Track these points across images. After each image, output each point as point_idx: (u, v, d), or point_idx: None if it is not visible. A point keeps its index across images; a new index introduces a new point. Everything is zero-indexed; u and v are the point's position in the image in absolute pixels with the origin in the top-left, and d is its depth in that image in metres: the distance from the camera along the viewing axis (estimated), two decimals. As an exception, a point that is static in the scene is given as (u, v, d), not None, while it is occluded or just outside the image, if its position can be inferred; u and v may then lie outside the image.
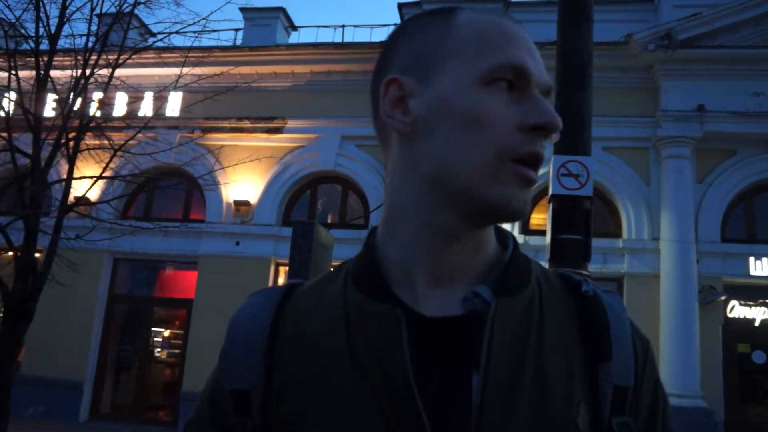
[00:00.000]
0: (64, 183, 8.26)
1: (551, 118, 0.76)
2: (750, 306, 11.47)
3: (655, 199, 11.69)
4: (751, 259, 11.38)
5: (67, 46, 8.85)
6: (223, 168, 12.44)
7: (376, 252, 0.85)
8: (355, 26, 16.70)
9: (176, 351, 13.39)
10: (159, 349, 13.77)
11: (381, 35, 13.62)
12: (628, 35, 11.70)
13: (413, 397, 0.73)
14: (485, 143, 0.76)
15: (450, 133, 0.77)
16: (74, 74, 8.29)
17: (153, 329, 13.74)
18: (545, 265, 4.81)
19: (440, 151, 0.78)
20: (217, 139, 13.22)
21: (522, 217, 0.79)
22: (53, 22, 8.36)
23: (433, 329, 0.78)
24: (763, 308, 11.44)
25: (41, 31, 8.25)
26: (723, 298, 11.32)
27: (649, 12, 12.92)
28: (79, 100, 8.35)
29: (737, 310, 11.47)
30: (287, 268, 9.69)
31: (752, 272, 11.35)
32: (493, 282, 0.81)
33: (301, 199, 13.59)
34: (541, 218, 11.80)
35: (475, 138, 0.76)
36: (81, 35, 8.85)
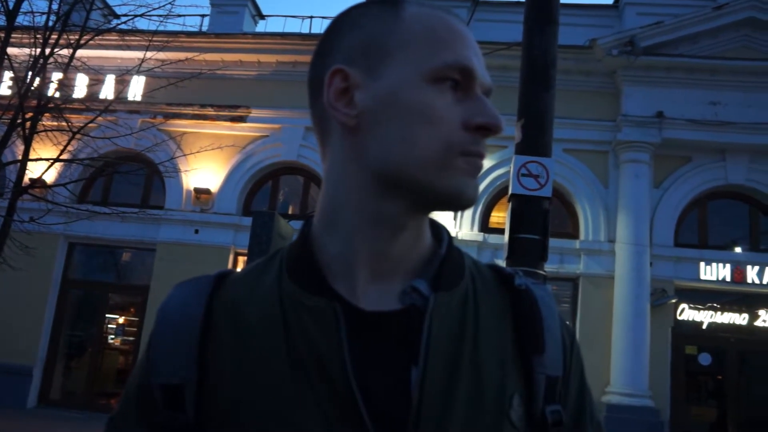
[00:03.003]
0: (19, 164, 8.08)
1: (495, 119, 0.78)
2: (699, 309, 11.78)
3: (613, 201, 11.89)
4: (702, 264, 11.67)
5: (26, 23, 8.64)
6: (184, 155, 12.28)
7: (313, 243, 0.84)
8: (323, 17, 16.55)
9: (131, 338, 13.20)
10: (113, 336, 13.55)
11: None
12: (593, 40, 11.88)
13: (352, 392, 0.73)
14: (432, 138, 0.76)
15: (397, 128, 0.77)
16: (33, 53, 8.11)
17: (108, 315, 13.50)
18: (503, 263, 4.88)
19: (387, 145, 0.77)
20: (179, 126, 13.05)
21: (473, 204, 0.80)
22: (12, -2, 8.15)
23: (372, 324, 0.77)
24: (711, 312, 11.76)
25: (-1, 7, 8.05)
26: (674, 300, 11.59)
27: (614, 18, 13.15)
28: (37, 80, 8.17)
29: (687, 312, 11.77)
30: (246, 257, 9.63)
31: (702, 276, 11.64)
32: (431, 276, 0.81)
33: (263, 189, 13.50)
34: (500, 217, 11.94)
35: (422, 133, 0.76)
36: (41, 13, 8.63)
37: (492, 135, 0.79)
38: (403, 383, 0.75)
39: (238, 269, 0.90)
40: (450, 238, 0.88)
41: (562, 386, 0.85)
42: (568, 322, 0.92)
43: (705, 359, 11.69)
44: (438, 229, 0.89)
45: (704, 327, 11.77)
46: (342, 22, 0.84)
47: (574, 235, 12.09)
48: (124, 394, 0.86)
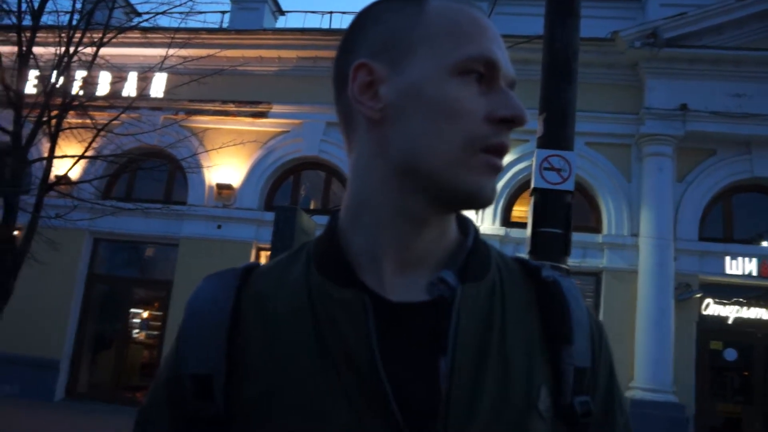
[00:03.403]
0: (45, 161, 8.19)
1: (519, 111, 0.78)
2: (724, 304, 11.64)
3: (636, 195, 11.79)
4: (727, 258, 11.53)
5: (50, 22, 8.75)
6: (206, 151, 12.36)
7: (339, 236, 0.84)
8: (343, 13, 16.60)
9: (155, 332, 13.36)
10: (137, 330, 13.72)
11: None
12: (615, 32, 11.76)
13: (381, 383, 0.73)
14: (455, 133, 0.77)
15: (421, 122, 0.78)
16: (58, 51, 8.20)
17: (132, 310, 13.67)
18: (526, 257, 4.86)
19: (411, 138, 0.78)
20: (201, 122, 13.15)
21: (489, 203, 0.80)
22: (37, -2, 8.24)
23: (400, 314, 0.78)
24: (737, 307, 11.61)
25: (24, 6, 8.15)
26: (698, 295, 11.48)
27: (636, 10, 13.01)
28: (62, 78, 8.26)
29: (712, 307, 11.63)
30: (269, 252, 9.68)
31: (728, 271, 11.51)
32: (458, 268, 0.82)
33: (285, 184, 13.56)
34: (522, 211, 11.89)
35: (445, 127, 0.77)
36: (65, 12, 8.72)
37: (516, 127, 0.79)
38: (432, 374, 0.75)
39: (267, 262, 0.91)
40: (476, 230, 0.89)
41: (590, 377, 0.85)
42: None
43: (730, 355, 11.56)
44: (464, 222, 0.90)
45: (730, 322, 11.63)
46: (365, 17, 0.85)
47: (597, 230, 12.01)
48: (153, 386, 0.87)
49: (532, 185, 5.08)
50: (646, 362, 10.80)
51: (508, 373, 0.78)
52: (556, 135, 5.08)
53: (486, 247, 0.88)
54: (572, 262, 5.37)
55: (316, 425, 0.74)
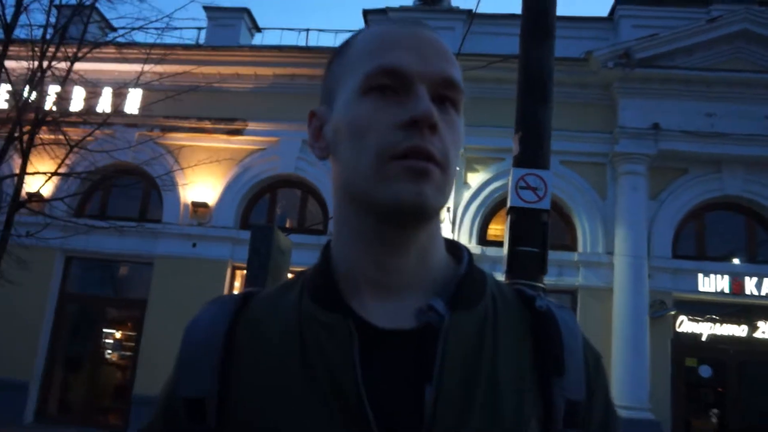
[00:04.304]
0: (16, 178, 8.07)
1: (421, 110, 0.76)
2: (698, 321, 11.75)
3: (611, 213, 11.91)
4: (700, 276, 11.66)
5: (23, 36, 8.66)
6: (181, 168, 12.29)
7: (331, 262, 0.86)
8: (320, 30, 16.58)
9: (128, 353, 13.12)
10: (110, 351, 13.48)
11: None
12: (588, 52, 11.93)
13: (363, 408, 0.73)
14: (368, 148, 0.78)
15: (344, 148, 0.81)
16: (31, 66, 8.11)
17: (105, 330, 13.44)
18: (502, 277, 4.86)
19: (343, 165, 0.82)
20: (176, 139, 13.06)
21: (423, 208, 0.77)
22: (9, 11, 8.16)
23: (387, 341, 0.78)
24: (710, 324, 11.73)
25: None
26: (672, 312, 11.58)
27: (609, 30, 13.20)
28: (34, 93, 8.17)
29: (686, 324, 11.74)
30: (245, 271, 9.61)
31: (701, 288, 11.64)
32: (448, 295, 0.81)
33: (260, 202, 13.49)
34: (498, 229, 11.94)
35: (359, 145, 0.78)
36: (39, 26, 8.64)
37: (426, 127, 0.76)
38: (418, 402, 0.74)
39: (266, 288, 0.93)
40: (470, 257, 0.88)
41: (584, 410, 0.83)
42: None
43: (705, 371, 11.66)
44: (457, 249, 0.89)
45: (704, 339, 11.74)
46: (324, 72, 0.91)
47: (573, 248, 12.09)
48: (155, 407, 0.90)
49: (509, 204, 5.10)
50: (623, 380, 10.84)
51: (496, 404, 0.76)
52: (533, 154, 5.12)
53: (481, 274, 0.87)
54: (548, 280, 5.39)
55: None
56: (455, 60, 0.83)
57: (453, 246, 0.89)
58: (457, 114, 0.82)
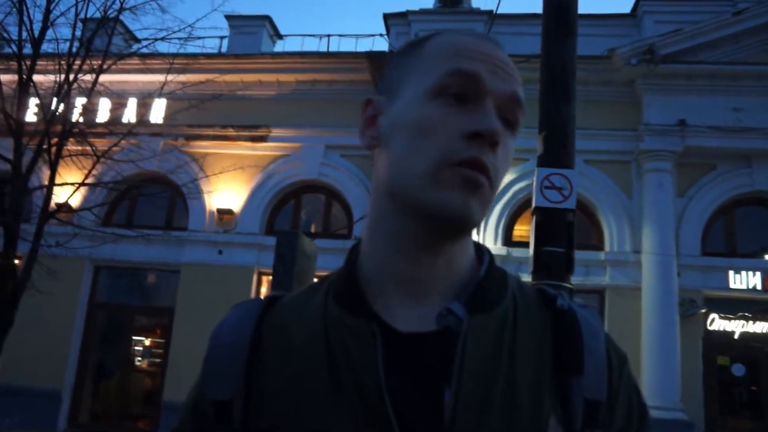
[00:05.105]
0: (45, 189, 8.19)
1: (486, 125, 0.77)
2: (729, 319, 11.57)
3: (637, 212, 11.78)
4: (731, 273, 11.49)
5: (50, 50, 8.79)
6: (206, 176, 12.39)
7: (357, 265, 0.86)
8: (341, 35, 16.74)
9: (157, 360, 13.26)
10: (140, 358, 13.63)
11: (366, 45, 13.68)
12: (611, 49, 11.82)
13: (386, 411, 0.74)
14: (428, 150, 0.78)
15: (400, 144, 0.81)
16: (58, 79, 8.24)
17: (134, 338, 13.60)
18: (528, 278, 4.82)
19: (392, 161, 0.82)
20: (200, 147, 13.17)
21: (467, 221, 0.78)
22: (37, 26, 8.30)
23: (409, 345, 0.79)
24: (742, 321, 11.54)
25: (24, 34, 8.19)
26: (703, 311, 11.41)
27: (631, 27, 13.08)
28: (62, 106, 8.29)
29: (717, 323, 11.57)
30: (270, 277, 9.65)
31: (732, 285, 11.46)
32: (467, 298, 0.81)
33: (285, 208, 13.55)
34: (523, 230, 11.87)
35: (419, 146, 0.79)
36: (65, 40, 8.78)
37: (489, 142, 0.78)
38: (438, 405, 0.75)
39: (290, 292, 0.93)
40: (491, 258, 0.88)
41: (606, 411, 0.82)
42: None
43: (738, 370, 11.46)
44: (480, 250, 0.89)
45: (736, 337, 11.55)
46: (387, 65, 0.93)
47: (599, 247, 11.98)
48: (183, 409, 0.91)
49: (534, 204, 5.07)
50: (653, 380, 10.70)
51: (515, 405, 0.77)
52: (557, 153, 5.08)
53: (502, 275, 0.87)
54: (575, 280, 5.34)
55: None
56: (521, 81, 0.85)
57: (476, 248, 0.89)
58: (512, 136, 0.84)
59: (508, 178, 12.16)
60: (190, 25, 10.22)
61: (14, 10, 8.14)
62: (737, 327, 11.55)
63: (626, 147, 12.04)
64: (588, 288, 11.39)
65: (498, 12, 8.97)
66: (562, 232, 4.95)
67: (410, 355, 0.78)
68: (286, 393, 0.80)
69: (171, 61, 9.59)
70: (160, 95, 9.68)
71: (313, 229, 13.48)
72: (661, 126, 11.71)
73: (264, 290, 12.70)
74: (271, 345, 0.84)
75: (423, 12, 13.57)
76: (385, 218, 0.84)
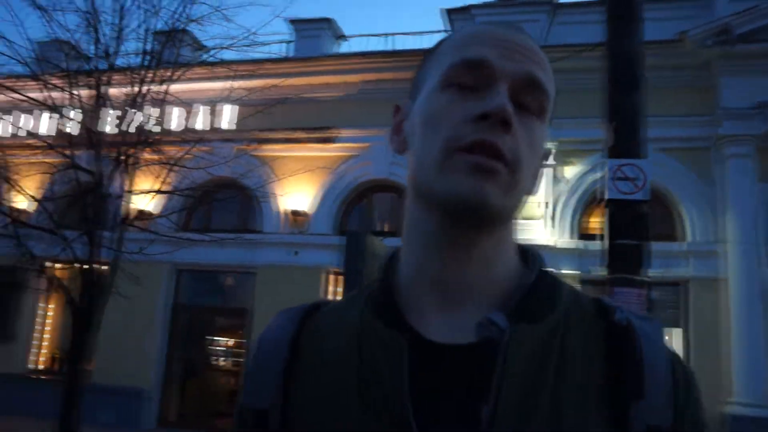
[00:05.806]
0: (123, 198, 8.50)
1: (493, 106, 0.74)
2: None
3: (718, 199, 11.31)
4: (822, 260, 10.90)
5: (121, 63, 9.11)
6: (278, 179, 12.60)
7: (393, 273, 0.85)
8: (404, 34, 16.73)
9: (239, 359, 13.67)
10: (222, 358, 14.05)
11: (429, 42, 13.58)
12: (682, 32, 11.39)
13: (409, 423, 0.71)
14: (436, 140, 0.77)
15: (418, 141, 0.81)
16: (130, 91, 8.54)
17: (215, 338, 14.05)
18: (603, 271, 4.70)
19: (414, 159, 0.82)
20: (270, 151, 13.42)
21: (481, 206, 0.74)
22: (109, 42, 8.61)
23: (443, 356, 0.75)
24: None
25: (99, 51, 8.52)
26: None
27: (698, 8, 12.48)
28: (135, 117, 8.58)
29: (808, 313, 10.99)
30: (344, 277, 9.75)
31: (823, 273, 10.87)
32: (511, 308, 0.76)
33: (356, 208, 13.68)
34: (598, 222, 11.59)
35: (431, 138, 0.78)
36: (136, 53, 9.07)
37: (498, 123, 0.74)
38: (473, 422, 0.70)
39: (335, 299, 0.94)
40: (541, 265, 0.83)
41: None
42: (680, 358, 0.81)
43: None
44: (528, 255, 0.85)
45: (828, 327, 10.96)
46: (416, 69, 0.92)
47: (679, 238, 11.58)
48: (234, 416, 0.91)
49: (606, 196, 4.95)
50: (740, 375, 10.27)
51: (556, 427, 0.70)
52: (627, 143, 4.96)
53: (554, 284, 0.81)
54: (654, 273, 5.17)
55: None
56: (545, 62, 0.81)
57: (525, 252, 0.85)
58: (538, 118, 0.80)
59: (579, 170, 11.91)
60: (253, 33, 10.34)
61: (91, 28, 8.47)
62: (830, 317, 10.94)
63: (703, 133, 11.58)
64: (668, 281, 11.00)
65: (560, 1, 8.79)
66: (637, 224, 4.84)
67: (446, 368, 0.74)
68: (317, 402, 0.78)
69: (236, 68, 9.78)
70: (228, 101, 9.88)
71: (385, 228, 13.53)
72: (739, 109, 11.22)
73: (339, 290, 12.84)
74: (308, 353, 0.83)
75: (486, 5, 13.41)
76: (417, 221, 0.82)
